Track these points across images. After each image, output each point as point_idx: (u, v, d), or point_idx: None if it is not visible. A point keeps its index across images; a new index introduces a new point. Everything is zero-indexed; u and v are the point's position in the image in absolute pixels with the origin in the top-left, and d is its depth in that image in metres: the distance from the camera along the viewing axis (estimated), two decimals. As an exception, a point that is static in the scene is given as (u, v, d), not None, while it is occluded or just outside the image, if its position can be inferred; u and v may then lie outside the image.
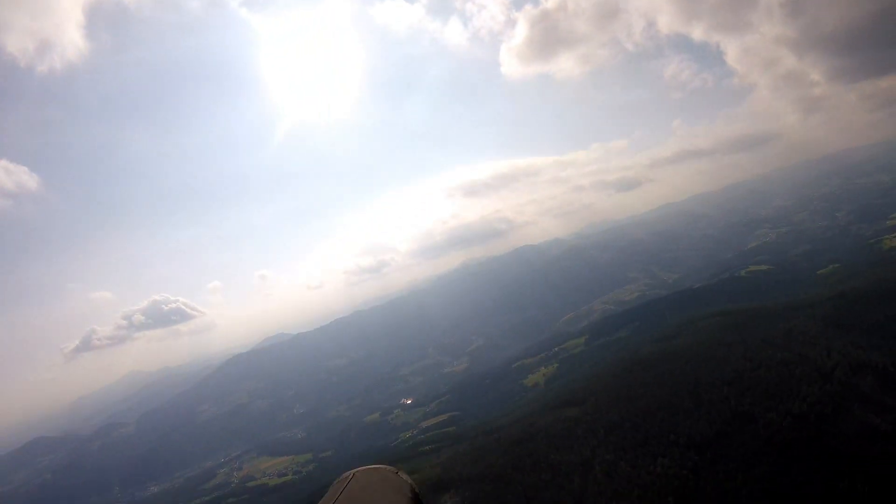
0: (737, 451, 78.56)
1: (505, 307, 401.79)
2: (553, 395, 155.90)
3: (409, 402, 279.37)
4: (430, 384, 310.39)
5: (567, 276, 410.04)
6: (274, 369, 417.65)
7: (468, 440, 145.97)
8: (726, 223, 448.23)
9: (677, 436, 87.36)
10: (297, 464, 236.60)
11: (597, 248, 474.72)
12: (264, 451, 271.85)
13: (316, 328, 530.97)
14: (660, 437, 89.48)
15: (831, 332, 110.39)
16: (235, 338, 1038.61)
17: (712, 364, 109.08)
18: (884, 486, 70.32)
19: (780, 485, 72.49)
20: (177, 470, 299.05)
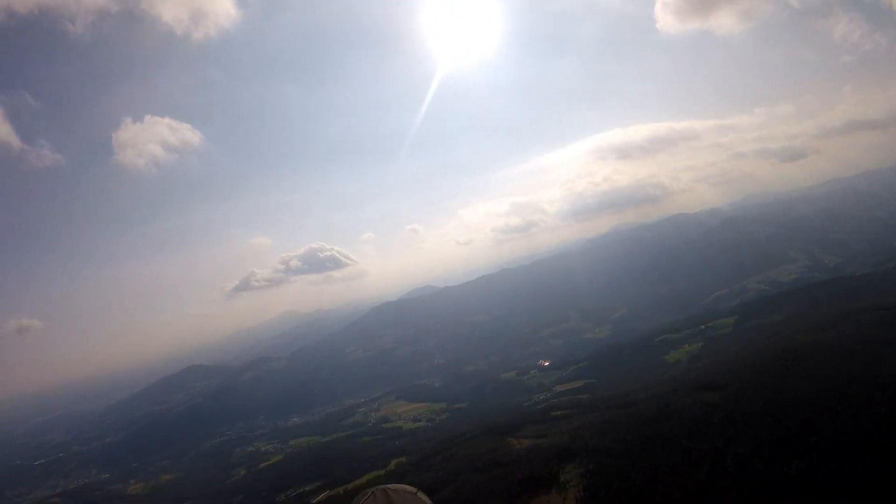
0: (883, 467, 73.26)
1: (653, 277, 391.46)
2: (694, 376, 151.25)
3: (547, 364, 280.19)
4: (568, 348, 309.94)
5: (722, 249, 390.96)
6: (419, 319, 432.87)
7: (600, 411, 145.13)
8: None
9: (819, 438, 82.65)
10: (432, 411, 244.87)
11: (756, 221, 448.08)
12: (402, 395, 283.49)
13: (462, 283, 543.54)
14: (800, 436, 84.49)
15: None
16: (385, 287, 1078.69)
17: (868, 364, 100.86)
18: None
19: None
20: (319, 405, 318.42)
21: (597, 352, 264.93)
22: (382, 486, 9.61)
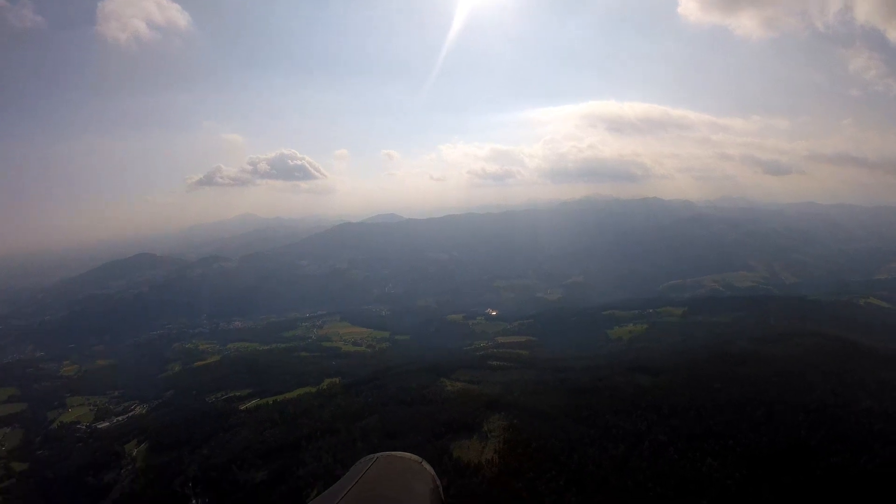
0: (790, 482, 75.90)
1: (615, 252, 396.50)
2: (632, 357, 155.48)
3: (494, 313, 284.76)
4: (519, 303, 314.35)
5: (687, 242, 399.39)
6: (378, 245, 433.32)
7: (536, 370, 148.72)
8: (865, 245, 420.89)
9: (736, 443, 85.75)
10: (374, 339, 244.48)
11: (726, 223, 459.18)
12: (347, 317, 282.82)
13: (427, 218, 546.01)
14: (719, 437, 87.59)
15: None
16: (350, 207, 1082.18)
17: (799, 385, 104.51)
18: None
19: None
20: (263, 313, 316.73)
21: (545, 312, 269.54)
22: (387, 453, 8.84)
